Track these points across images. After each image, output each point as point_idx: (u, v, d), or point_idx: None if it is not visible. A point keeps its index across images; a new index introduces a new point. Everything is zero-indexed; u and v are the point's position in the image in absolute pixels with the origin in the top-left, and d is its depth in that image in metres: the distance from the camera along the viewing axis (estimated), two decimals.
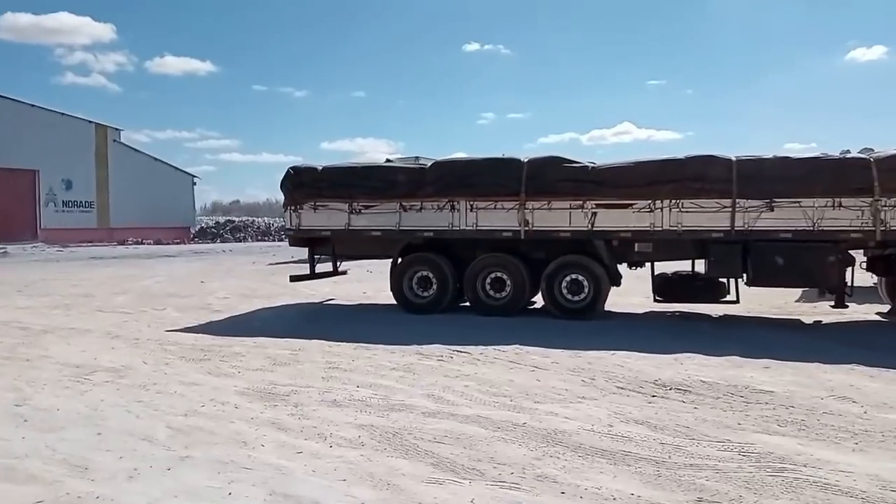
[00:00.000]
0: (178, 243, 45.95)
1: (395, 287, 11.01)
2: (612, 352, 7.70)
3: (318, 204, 11.16)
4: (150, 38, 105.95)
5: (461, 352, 7.81)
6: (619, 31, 78.69)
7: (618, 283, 11.07)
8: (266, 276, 18.29)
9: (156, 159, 55.92)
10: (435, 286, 10.77)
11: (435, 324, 9.73)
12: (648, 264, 10.57)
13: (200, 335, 9.11)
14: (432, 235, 10.75)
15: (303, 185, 11.29)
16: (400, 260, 11.10)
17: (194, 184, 59.26)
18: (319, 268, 12.51)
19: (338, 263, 12.61)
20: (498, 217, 10.42)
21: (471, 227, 10.53)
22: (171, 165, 57.02)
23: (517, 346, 8.06)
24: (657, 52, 79.70)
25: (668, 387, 6.26)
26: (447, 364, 7.20)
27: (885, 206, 9.00)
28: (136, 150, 55.58)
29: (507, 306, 10.43)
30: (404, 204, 10.77)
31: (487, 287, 10.61)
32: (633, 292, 11.55)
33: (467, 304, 10.84)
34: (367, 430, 4.94)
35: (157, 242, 45.78)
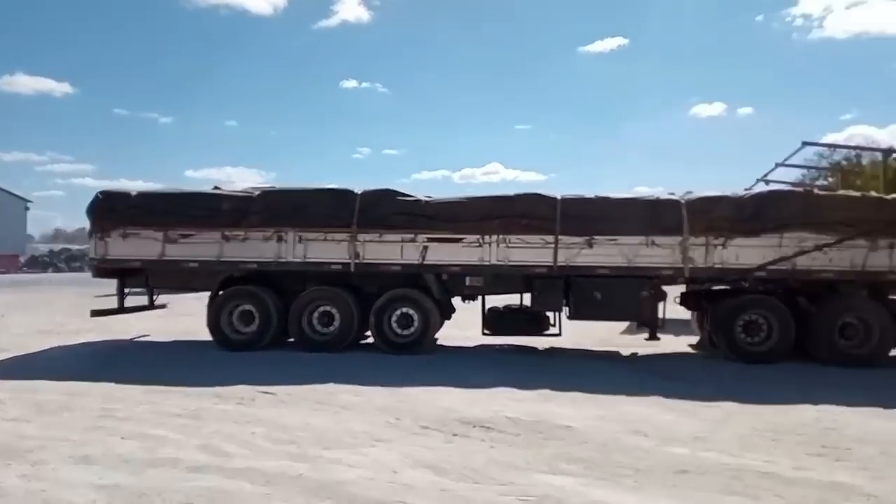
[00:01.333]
0: (2, 272, 41.27)
1: (212, 322, 10.17)
2: (428, 388, 7.44)
3: (128, 231, 10.14)
4: (0, 55, 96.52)
5: (267, 392, 7.22)
6: (490, 77, 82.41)
7: (448, 317, 10.97)
8: (84, 310, 16.45)
9: None
10: (257, 321, 10.07)
11: (251, 362, 9.03)
12: (481, 298, 10.54)
13: None
14: (256, 267, 10.08)
15: (112, 210, 10.22)
16: (219, 293, 10.29)
17: (27, 208, 54.05)
18: (135, 302, 11.39)
19: (153, 297, 11.56)
20: (328, 249, 9.97)
21: (299, 259, 9.98)
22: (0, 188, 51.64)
23: (332, 384, 7.61)
24: (524, 99, 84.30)
25: (473, 424, 6.04)
26: (245, 408, 6.58)
27: (693, 244, 9.52)
28: None
29: (335, 341, 9.93)
30: (227, 233, 10.04)
31: (315, 321, 10.08)
32: (470, 325, 11.43)
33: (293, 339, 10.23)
34: (107, 493, 4.24)
35: None
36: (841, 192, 11.97)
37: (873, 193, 10.82)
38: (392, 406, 6.69)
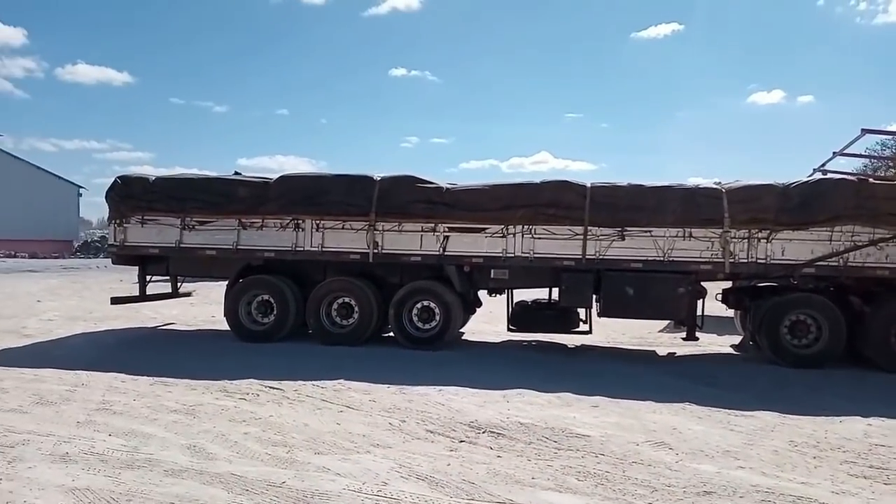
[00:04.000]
0: (55, 257, 42.58)
1: (230, 313, 9.94)
2: (441, 388, 7.03)
3: (146, 218, 9.98)
4: (63, 44, 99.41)
5: (274, 388, 6.93)
6: (541, 64, 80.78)
7: (474, 311, 10.54)
8: None
9: (37, 167, 51.90)
10: (275, 312, 9.80)
11: (264, 355, 8.77)
12: (508, 291, 10.07)
13: None
14: (273, 256, 9.80)
15: (131, 196, 10.08)
16: (237, 282, 10.07)
17: (80, 195, 55.45)
18: (159, 289, 11.31)
19: (178, 284, 11.45)
20: (346, 238, 9.63)
21: (316, 248, 9.66)
22: (54, 174, 53.04)
23: (341, 380, 7.27)
24: (575, 87, 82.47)
25: (482, 429, 5.62)
26: (246, 404, 6.29)
27: (735, 237, 8.84)
28: (14, 156, 51.42)
29: (354, 334, 9.60)
30: (244, 221, 9.79)
31: (333, 313, 9.76)
32: (501, 319, 10.95)
33: None
34: (75, 497, 3.97)
35: (33, 256, 42.23)
36: None
37: None
38: (399, 406, 6.31)
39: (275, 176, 10.12)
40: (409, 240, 9.49)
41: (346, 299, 9.72)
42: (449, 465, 4.71)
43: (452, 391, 6.92)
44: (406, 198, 9.50)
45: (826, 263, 8.64)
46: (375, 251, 9.51)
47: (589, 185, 9.30)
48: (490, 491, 4.23)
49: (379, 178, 9.70)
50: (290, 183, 9.91)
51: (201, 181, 10.19)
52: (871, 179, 10.47)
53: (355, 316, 9.67)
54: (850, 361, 8.72)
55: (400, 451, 5.02)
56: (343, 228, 9.62)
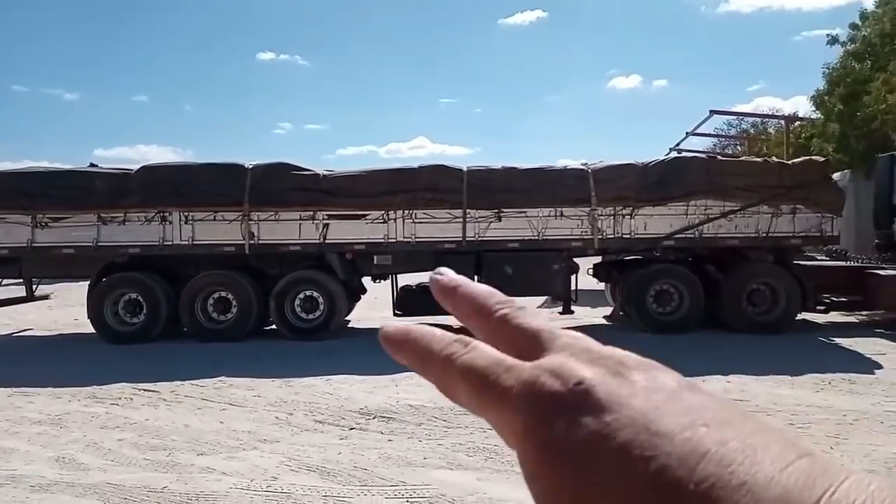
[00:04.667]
0: None
1: (95, 314, 9.27)
2: (329, 377, 6.95)
3: None
4: None
5: (149, 390, 6.55)
6: (413, 49, 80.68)
7: (359, 298, 10.48)
8: None
9: None
10: (145, 311, 9.24)
11: (136, 357, 8.26)
12: (392, 277, 10.07)
13: None
14: (139, 252, 9.22)
15: None
16: (100, 281, 9.39)
17: None
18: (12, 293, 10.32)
19: (33, 287, 10.49)
20: (219, 230, 9.22)
21: (186, 242, 9.19)
22: None
23: (222, 377, 7.00)
24: (449, 73, 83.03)
25: (372, 415, 5.61)
26: (118, 410, 5.90)
27: (602, 215, 9.34)
28: None
29: (233, 329, 9.24)
30: (104, 216, 9.12)
31: (210, 309, 9.34)
32: (388, 305, 10.91)
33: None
34: None
35: None
36: (744, 158, 12.10)
37: (775, 159, 10.95)
38: (286, 399, 6.17)
39: (136, 167, 9.49)
40: (286, 229, 9.25)
41: (223, 293, 9.33)
42: (340, 453, 4.67)
43: (341, 380, 6.86)
44: (282, 186, 9.23)
45: (683, 236, 9.35)
46: (251, 242, 9.19)
47: (465, 168, 9.47)
48: (382, 475, 4.24)
49: (251, 166, 9.36)
50: (153, 173, 9.33)
51: (53, 174, 9.37)
52: (719, 157, 11.39)
53: (234, 310, 9.32)
54: (709, 325, 9.50)
55: (288, 444, 4.91)
56: (215, 220, 9.21)
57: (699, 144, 27.02)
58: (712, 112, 23.29)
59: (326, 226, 9.23)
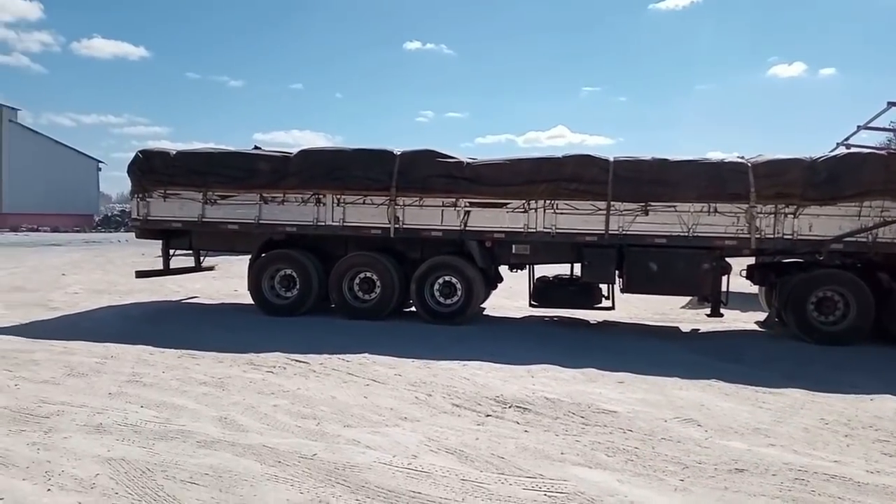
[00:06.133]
0: (77, 231, 43.09)
1: (254, 287, 10.03)
2: (465, 362, 7.04)
3: (168, 192, 10.03)
4: (79, 18, 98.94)
5: (300, 361, 6.98)
6: (557, 38, 79.55)
7: (495, 286, 10.53)
8: None
9: (57, 142, 52.30)
10: (298, 286, 9.86)
11: (289, 328, 8.84)
12: (529, 267, 10.04)
13: (8, 337, 7.90)
14: (295, 231, 9.82)
15: (153, 170, 10.12)
16: (260, 256, 10.12)
17: (99, 169, 55.94)
18: (183, 263, 11.41)
19: (201, 258, 11.52)
20: (367, 213, 9.62)
21: (337, 223, 9.67)
22: (73, 149, 53.48)
23: (366, 354, 7.31)
24: (592, 61, 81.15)
25: (508, 404, 5.63)
26: (273, 377, 6.34)
27: (761, 212, 8.71)
28: (34, 131, 51.86)
29: (376, 309, 9.63)
30: (265, 195, 9.81)
31: (356, 288, 9.79)
32: (522, 295, 10.91)
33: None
34: (111, 467, 4.03)
35: (55, 230, 42.84)
36: None
37: None
38: (425, 381, 6.33)
39: (294, 150, 10.10)
40: (429, 215, 9.46)
41: (368, 274, 9.73)
42: (477, 439, 4.73)
43: (476, 366, 6.94)
44: (426, 172, 9.45)
45: (854, 239, 8.51)
46: (396, 226, 9.49)
47: (612, 159, 9.18)
48: (519, 465, 4.24)
49: (399, 153, 9.65)
50: (310, 157, 9.88)
51: (222, 155, 10.18)
52: None
53: (377, 291, 9.70)
54: (879, 340, 8.62)
55: (428, 424, 5.04)
56: (364, 203, 9.60)
57: (870, 140, 24.30)
58: (890, 104, 20.87)
59: (468, 213, 9.33)
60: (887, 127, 26.91)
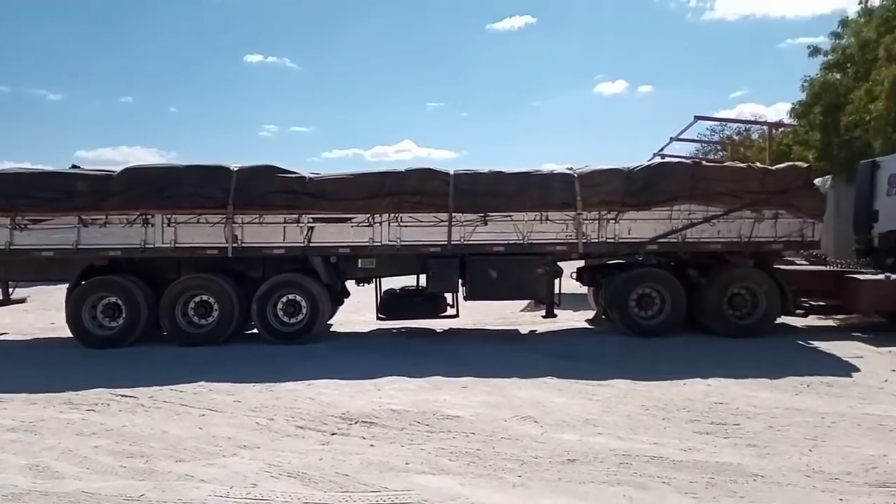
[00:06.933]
0: None
1: (73, 318, 9.13)
2: (310, 382, 6.88)
3: None
4: None
5: (126, 396, 6.46)
6: (402, 53, 79.73)
7: (341, 302, 10.43)
8: None
9: None
10: (124, 315, 9.11)
11: (115, 361, 8.16)
12: (376, 280, 10.03)
13: None
14: (119, 255, 9.10)
15: None
16: (79, 284, 9.26)
17: None
18: None
19: (9, 290, 10.31)
20: (202, 232, 9.12)
21: (168, 245, 9.08)
22: None
23: (202, 382, 6.92)
24: (436, 76, 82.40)
25: (355, 420, 5.57)
26: (95, 416, 5.81)
27: (587, 219, 9.36)
28: None
29: (213, 333, 9.15)
30: (84, 218, 9.00)
31: (190, 313, 9.25)
32: (370, 309, 10.82)
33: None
34: None
35: None
36: (728, 163, 12.17)
37: (758, 165, 11.03)
38: (267, 405, 6.10)
39: (119, 168, 9.37)
40: (270, 232, 9.18)
41: (204, 297, 9.24)
42: (321, 459, 4.63)
43: (322, 384, 6.80)
44: (266, 188, 9.16)
45: (667, 240, 9.39)
46: (235, 245, 9.10)
47: (452, 172, 9.46)
48: (364, 480, 4.20)
49: (237, 169, 9.28)
50: (135, 175, 9.22)
51: (32, 176, 9.20)
52: (703, 162, 11.46)
53: (215, 314, 9.23)
54: (691, 329, 9.54)
55: (269, 450, 4.86)
56: (198, 223, 9.12)
57: (683, 150, 27.19)
58: (696, 118, 23.49)
59: (311, 229, 9.16)
60: (695, 138, 30.09)
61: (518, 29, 78.18)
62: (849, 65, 14.14)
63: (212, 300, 9.19)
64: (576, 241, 9.35)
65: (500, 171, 9.58)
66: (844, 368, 7.39)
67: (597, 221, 9.36)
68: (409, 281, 10.24)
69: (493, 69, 79.73)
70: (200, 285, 9.20)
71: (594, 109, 76.26)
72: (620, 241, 9.40)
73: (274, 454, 4.74)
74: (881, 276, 9.57)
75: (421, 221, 9.24)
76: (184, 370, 7.46)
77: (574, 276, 10.66)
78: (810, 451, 4.67)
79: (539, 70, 79.61)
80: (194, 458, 4.68)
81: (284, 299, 9.30)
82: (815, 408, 5.77)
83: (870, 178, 10.77)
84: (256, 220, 9.14)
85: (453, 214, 9.21)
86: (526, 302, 12.24)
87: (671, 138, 24.84)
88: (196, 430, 5.34)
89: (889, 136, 11.38)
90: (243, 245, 9.13)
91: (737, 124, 32.95)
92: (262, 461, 4.59)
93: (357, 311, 11.64)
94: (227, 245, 9.09)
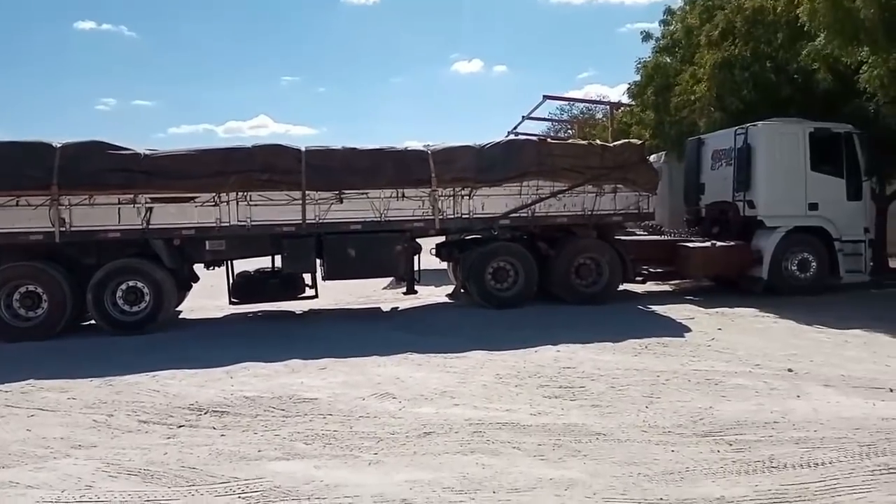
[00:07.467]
0: None
1: None
2: (155, 373, 6.45)
3: None
4: None
5: None
6: (253, 25, 75.18)
7: (189, 287, 9.88)
8: None
9: None
10: None
11: None
12: (227, 263, 9.55)
13: None
14: None
15: None
16: None
17: None
18: None
19: None
20: (23, 216, 8.23)
21: None
22: None
23: (30, 380, 6.28)
24: (291, 50, 78.69)
25: (204, 410, 5.30)
26: None
27: (442, 195, 9.48)
28: None
29: (43, 327, 8.32)
30: None
31: (15, 305, 8.34)
32: (222, 293, 10.26)
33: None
34: None
35: None
36: (571, 140, 12.82)
37: (598, 142, 11.71)
38: (106, 400, 5.65)
39: None
40: (104, 214, 8.46)
41: (31, 287, 8.37)
42: (166, 453, 4.35)
43: (168, 375, 6.40)
44: (97, 166, 8.42)
45: (518, 215, 9.74)
46: (63, 229, 8.30)
47: (304, 148, 9.18)
48: (213, 472, 4.01)
49: (60, 146, 8.42)
50: None
51: None
52: (549, 139, 11.98)
53: (44, 305, 8.39)
54: (543, 298, 10.01)
55: (107, 448, 4.50)
56: (17, 205, 8.20)
57: (535, 128, 28.32)
58: (545, 97, 24.47)
59: (150, 210, 8.53)
60: (546, 117, 31.41)
61: (373, 3, 77.32)
62: (676, 49, 15.31)
63: (40, 290, 8.35)
64: (432, 217, 9.45)
65: (354, 148, 9.46)
66: (678, 329, 8.08)
67: (452, 198, 9.50)
68: (263, 262, 9.87)
69: (349, 45, 78.28)
70: (26, 274, 8.32)
71: (452, 87, 77.40)
72: (475, 216, 9.62)
73: (112, 452, 4.40)
74: (708, 244, 10.55)
75: (273, 200, 8.91)
76: (9, 368, 6.72)
77: (433, 252, 10.80)
78: (647, 407, 5.06)
79: (396, 47, 79.32)
80: (20, 463, 4.24)
81: (124, 286, 8.62)
82: (652, 367, 6.27)
83: (696, 154, 11.79)
84: (86, 202, 8.37)
85: (307, 192, 8.96)
86: (388, 280, 12.26)
87: (523, 117, 25.76)
88: (23, 433, 4.84)
89: (711, 115, 12.47)
90: (73, 229, 8.34)
91: (583, 104, 34.78)
92: (99, 460, 4.24)
93: (210, 297, 11.06)
94: (53, 229, 8.26)
